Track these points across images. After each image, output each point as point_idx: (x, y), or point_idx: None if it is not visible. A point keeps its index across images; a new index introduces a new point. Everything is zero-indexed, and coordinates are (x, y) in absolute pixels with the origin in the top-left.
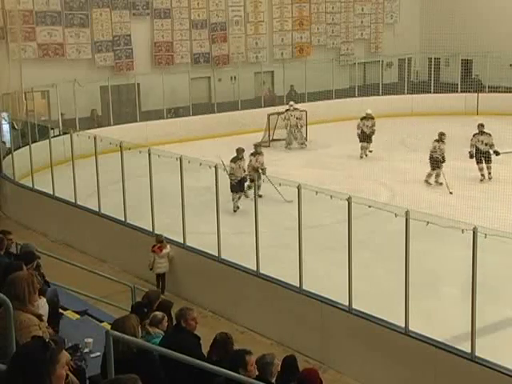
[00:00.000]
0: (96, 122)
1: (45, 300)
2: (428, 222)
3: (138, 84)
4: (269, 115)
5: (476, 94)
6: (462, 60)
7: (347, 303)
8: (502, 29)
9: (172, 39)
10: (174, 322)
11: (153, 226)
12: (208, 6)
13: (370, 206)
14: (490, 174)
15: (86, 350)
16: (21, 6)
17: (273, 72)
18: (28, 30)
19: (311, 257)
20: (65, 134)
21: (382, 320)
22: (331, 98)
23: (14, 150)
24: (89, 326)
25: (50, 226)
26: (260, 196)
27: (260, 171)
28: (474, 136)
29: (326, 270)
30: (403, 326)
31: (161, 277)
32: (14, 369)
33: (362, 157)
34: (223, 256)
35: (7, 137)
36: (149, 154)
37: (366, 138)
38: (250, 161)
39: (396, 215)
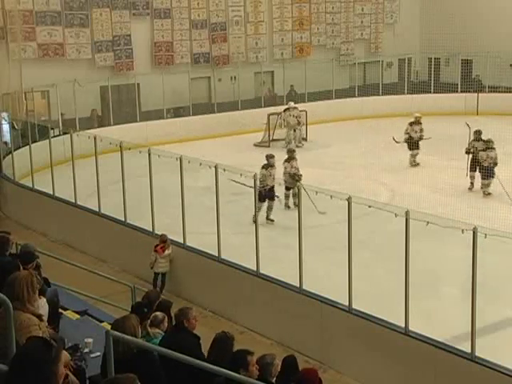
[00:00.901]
0: (96, 122)
1: (45, 300)
2: (428, 222)
3: (138, 84)
4: (269, 115)
5: (476, 94)
6: (462, 60)
7: (347, 303)
8: (502, 29)
9: (172, 39)
10: (174, 322)
11: (153, 226)
12: (208, 5)
13: (370, 206)
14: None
15: (86, 350)
16: (21, 6)
17: (273, 72)
18: (28, 30)
19: (311, 257)
20: (65, 133)
21: (382, 320)
22: (331, 98)
23: (14, 150)
24: (89, 326)
25: (50, 225)
26: (288, 207)
27: (297, 178)
28: (471, 142)
29: (326, 270)
30: (403, 326)
31: (161, 277)
32: (16, 369)
33: (412, 165)
34: (223, 256)
35: (7, 137)
36: (149, 154)
37: (414, 144)
38: (285, 168)
39: (396, 215)
